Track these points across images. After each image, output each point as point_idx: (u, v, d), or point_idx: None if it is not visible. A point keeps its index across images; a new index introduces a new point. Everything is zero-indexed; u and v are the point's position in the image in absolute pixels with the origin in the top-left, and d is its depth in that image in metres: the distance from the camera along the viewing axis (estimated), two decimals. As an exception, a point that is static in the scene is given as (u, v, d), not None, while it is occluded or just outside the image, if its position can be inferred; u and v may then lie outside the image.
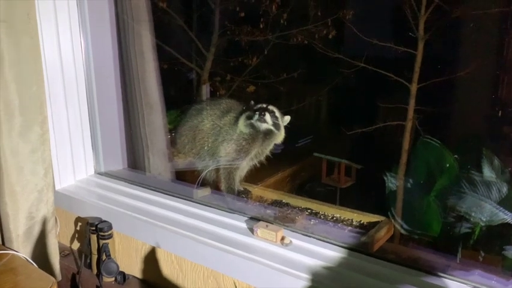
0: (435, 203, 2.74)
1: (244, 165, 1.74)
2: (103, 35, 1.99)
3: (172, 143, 2.10)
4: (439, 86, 3.01)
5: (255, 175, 1.82)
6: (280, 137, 1.68)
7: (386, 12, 3.52)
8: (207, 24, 4.11)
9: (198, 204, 1.71)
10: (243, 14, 4.00)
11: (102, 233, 1.64)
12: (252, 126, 1.63)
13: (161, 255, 1.63)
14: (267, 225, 1.46)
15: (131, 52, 2.03)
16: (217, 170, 1.76)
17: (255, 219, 1.57)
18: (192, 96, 4.24)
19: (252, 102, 1.70)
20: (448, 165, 2.77)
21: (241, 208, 1.65)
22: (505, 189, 2.48)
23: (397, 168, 3.16)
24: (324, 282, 1.28)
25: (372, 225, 1.51)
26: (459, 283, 1.24)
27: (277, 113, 1.65)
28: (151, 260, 1.66)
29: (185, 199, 1.75)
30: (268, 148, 1.71)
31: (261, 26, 3.95)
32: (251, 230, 1.50)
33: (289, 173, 3.61)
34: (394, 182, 2.96)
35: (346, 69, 3.48)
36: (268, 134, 1.65)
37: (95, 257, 1.69)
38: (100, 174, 2.04)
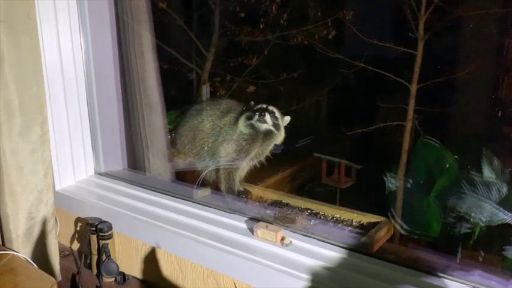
0: (435, 203, 2.74)
1: (244, 166, 1.74)
2: (103, 35, 1.99)
3: (172, 143, 2.10)
4: (439, 86, 3.01)
5: (255, 175, 1.82)
6: (280, 137, 1.68)
7: (386, 13, 3.52)
8: (206, 25, 4.11)
9: (198, 205, 1.71)
10: (243, 14, 4.00)
11: (102, 234, 1.64)
12: (252, 126, 1.63)
13: (161, 256, 1.63)
14: (267, 226, 1.46)
15: (131, 52, 2.03)
16: (217, 170, 1.76)
17: (255, 219, 1.57)
18: (192, 97, 4.24)
19: (252, 102, 1.70)
20: (447, 165, 2.77)
21: (241, 208, 1.65)
22: (504, 190, 2.48)
23: (397, 168, 3.16)
24: (324, 283, 1.28)
25: (372, 225, 1.51)
26: (459, 283, 1.24)
27: (277, 114, 1.65)
28: (151, 260, 1.66)
29: (185, 199, 1.76)
30: (268, 148, 1.71)
31: (261, 26, 3.95)
32: (251, 230, 1.50)
33: (289, 173, 3.61)
34: (394, 183, 2.96)
35: (346, 70, 3.48)
36: (268, 134, 1.65)
37: (95, 258, 1.69)
38: (100, 174, 2.04)
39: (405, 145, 3.25)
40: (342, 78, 3.65)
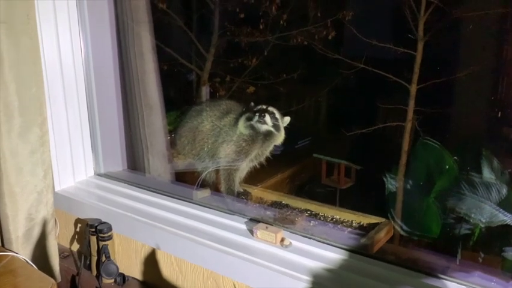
0: (435, 204, 2.74)
1: (244, 167, 1.74)
2: (102, 36, 1.99)
3: (172, 144, 2.10)
4: (439, 87, 3.01)
5: (255, 176, 1.82)
6: (280, 138, 1.68)
7: (386, 13, 3.52)
8: (206, 25, 4.11)
9: (198, 206, 1.71)
10: (242, 15, 4.00)
11: (102, 235, 1.64)
12: (252, 127, 1.63)
13: (161, 257, 1.63)
14: (266, 227, 1.46)
15: (131, 53, 2.03)
16: (217, 171, 1.76)
17: (254, 220, 1.57)
18: (192, 97, 4.24)
19: (252, 103, 1.70)
20: (447, 166, 2.77)
21: (240, 209, 1.65)
22: (504, 191, 2.48)
23: (397, 169, 3.16)
24: (324, 284, 1.28)
25: (372, 226, 1.51)
26: (459, 284, 1.24)
27: (277, 114, 1.65)
28: (150, 261, 1.66)
29: (185, 200, 1.75)
30: (268, 149, 1.71)
31: (261, 27, 3.95)
32: (251, 231, 1.50)
33: (289, 174, 3.61)
34: (394, 183, 2.97)
35: (346, 70, 3.48)
36: (268, 135, 1.65)
37: (94, 259, 1.68)
38: (100, 175, 2.04)
39: (405, 146, 3.25)
40: (342, 79, 3.65)
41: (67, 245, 1.96)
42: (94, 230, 1.66)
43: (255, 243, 1.46)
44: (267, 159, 1.74)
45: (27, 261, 1.58)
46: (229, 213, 1.64)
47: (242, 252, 1.42)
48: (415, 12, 3.15)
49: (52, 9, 1.79)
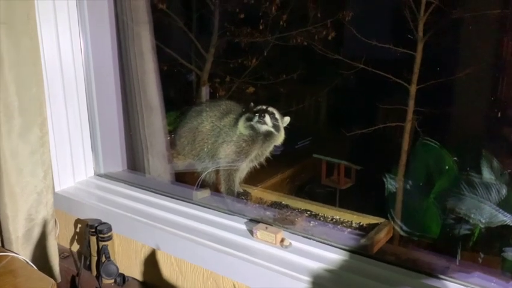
0: (435, 205, 2.74)
1: (244, 167, 1.74)
2: (102, 36, 1.99)
3: (172, 144, 2.10)
4: (438, 88, 3.01)
5: (255, 176, 1.82)
6: (280, 138, 1.68)
7: (386, 14, 3.53)
8: (206, 26, 4.11)
9: (198, 206, 1.71)
10: (242, 16, 4.00)
11: (102, 235, 1.64)
12: (252, 127, 1.63)
13: (160, 257, 1.63)
14: (266, 227, 1.46)
15: (130, 53, 2.03)
16: (217, 171, 1.76)
17: (254, 221, 1.57)
18: (192, 98, 4.24)
19: (252, 103, 1.70)
20: (447, 167, 2.77)
21: (240, 210, 1.65)
22: (504, 191, 2.48)
23: (396, 169, 3.16)
24: (324, 284, 1.28)
25: (372, 227, 1.51)
26: (458, 285, 1.24)
27: (277, 115, 1.65)
28: (150, 261, 1.66)
29: (184, 201, 1.75)
30: (268, 150, 1.71)
31: (261, 27, 3.95)
32: (251, 232, 1.50)
33: (289, 174, 3.61)
34: (393, 184, 2.97)
35: (345, 71, 3.48)
36: (268, 135, 1.65)
37: (94, 259, 1.68)
38: (100, 176, 2.04)
39: (405, 146, 3.25)
40: (342, 79, 3.65)
41: (67, 246, 1.96)
42: (93, 230, 1.66)
43: (254, 243, 1.46)
44: (267, 159, 1.74)
45: (27, 262, 1.58)
46: (229, 214, 1.64)
47: (242, 252, 1.42)
48: (415, 13, 3.16)
49: (52, 9, 1.79)
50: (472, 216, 2.52)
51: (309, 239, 1.46)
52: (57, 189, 1.90)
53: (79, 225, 1.89)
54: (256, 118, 1.61)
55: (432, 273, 1.28)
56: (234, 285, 1.44)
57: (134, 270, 1.72)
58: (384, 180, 2.95)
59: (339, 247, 1.40)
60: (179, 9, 4.14)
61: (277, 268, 1.33)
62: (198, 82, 4.12)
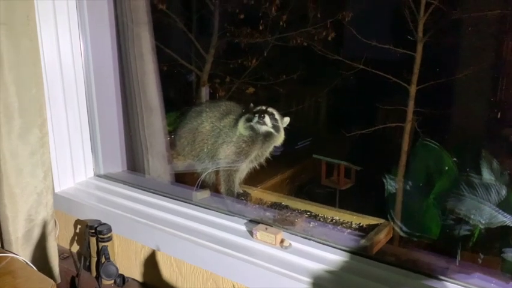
0: (435, 206, 2.74)
1: (244, 168, 1.74)
2: (102, 37, 1.99)
3: (172, 145, 2.10)
4: (438, 88, 3.01)
5: (255, 177, 1.82)
6: (280, 139, 1.69)
7: (385, 14, 3.52)
8: (206, 26, 4.11)
9: (197, 207, 1.72)
10: (242, 16, 4.00)
11: (101, 236, 1.64)
12: (252, 128, 1.63)
13: (160, 258, 1.63)
14: (266, 228, 1.46)
15: (130, 54, 2.04)
16: (217, 172, 1.76)
17: (254, 221, 1.57)
18: (192, 98, 4.24)
19: (252, 104, 1.71)
20: (446, 167, 2.77)
21: (240, 210, 1.65)
22: (504, 192, 2.48)
23: (396, 170, 3.16)
24: (324, 285, 1.28)
25: (372, 227, 1.51)
26: (458, 286, 1.24)
27: (277, 115, 1.66)
28: (150, 262, 1.66)
29: (184, 201, 1.76)
30: (268, 150, 1.71)
31: (261, 27, 3.94)
32: (250, 232, 1.50)
33: (289, 175, 3.61)
34: (393, 184, 2.96)
35: (345, 71, 3.48)
36: (267, 136, 1.65)
37: (94, 260, 1.68)
38: (100, 176, 2.04)
39: (405, 147, 3.24)
40: (342, 80, 3.65)
41: (67, 246, 1.96)
42: (93, 231, 1.66)
43: (254, 244, 1.46)
44: (267, 160, 1.75)
45: (27, 263, 1.58)
46: (229, 215, 1.64)
47: (242, 253, 1.42)
48: (415, 13, 3.15)
49: (52, 10, 1.79)
50: (472, 217, 2.52)
51: (309, 239, 1.46)
52: (57, 190, 1.90)
53: (79, 226, 1.89)
54: (256, 119, 1.61)
55: (432, 274, 1.28)
56: (233, 286, 1.44)
57: (134, 271, 1.72)
58: (384, 180, 2.95)
59: (339, 248, 1.40)
60: (179, 10, 4.14)
61: (277, 269, 1.33)
62: (198, 83, 4.12)
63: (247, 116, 1.65)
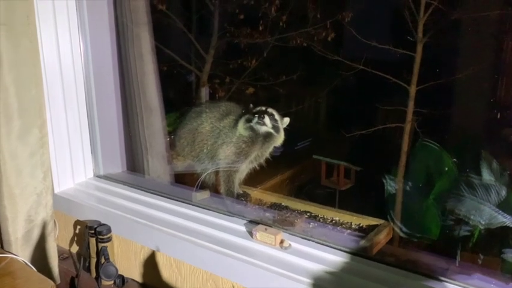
0: (434, 206, 2.73)
1: (244, 168, 1.74)
2: (102, 37, 1.99)
3: (171, 145, 2.10)
4: (438, 88, 3.01)
5: (255, 177, 1.82)
6: (279, 139, 1.69)
7: (385, 15, 3.52)
8: (206, 27, 4.11)
9: (197, 207, 1.72)
10: (242, 17, 4.00)
11: (101, 236, 1.64)
12: (252, 129, 1.63)
13: (160, 259, 1.63)
14: (266, 229, 1.46)
15: (130, 55, 2.03)
16: (217, 172, 1.76)
17: (254, 222, 1.57)
18: (191, 99, 4.23)
19: (251, 105, 1.71)
20: (446, 168, 2.77)
21: (240, 211, 1.65)
22: (503, 193, 2.48)
23: (396, 170, 3.16)
24: (324, 286, 1.28)
25: (372, 228, 1.51)
26: (458, 286, 1.24)
27: (277, 116, 1.66)
28: (150, 263, 1.66)
29: (184, 202, 1.75)
30: (267, 151, 1.71)
31: (260, 28, 3.94)
32: (250, 233, 1.50)
33: (289, 176, 3.61)
34: (393, 185, 2.96)
35: (345, 72, 3.48)
36: (267, 136, 1.65)
37: (94, 260, 1.68)
38: (99, 177, 2.04)
39: (405, 147, 3.24)
40: (341, 80, 3.65)
41: (66, 247, 1.95)
42: (93, 231, 1.66)
43: (254, 245, 1.46)
44: (267, 160, 1.75)
45: (26, 263, 1.58)
46: (229, 215, 1.64)
47: (241, 254, 1.42)
48: (414, 14, 3.15)
49: (52, 11, 1.79)
50: (472, 217, 2.52)
51: (309, 240, 1.46)
52: (56, 190, 1.90)
53: (78, 227, 1.88)
54: (256, 119, 1.61)
55: (432, 274, 1.28)
56: (233, 286, 1.44)
57: (133, 271, 1.72)
58: (384, 181, 2.95)
59: (339, 248, 1.40)
60: (179, 10, 4.14)
61: (276, 270, 1.33)
62: (198, 83, 4.12)
63: (247, 116, 1.65)
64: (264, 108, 1.64)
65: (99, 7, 1.95)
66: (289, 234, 1.49)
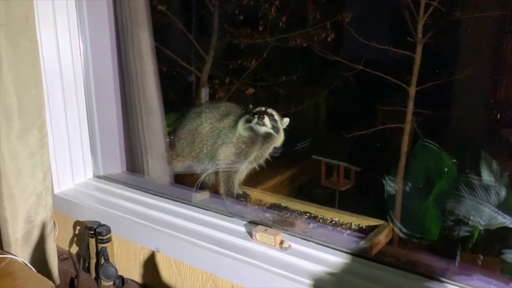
0: (434, 207, 2.73)
1: (244, 169, 1.74)
2: (101, 37, 1.99)
3: (171, 146, 2.10)
4: (438, 89, 3.01)
5: (254, 178, 1.82)
6: (279, 140, 1.68)
7: (385, 15, 3.52)
8: (206, 27, 4.11)
9: (197, 208, 1.71)
10: (242, 17, 4.00)
11: (101, 237, 1.64)
12: (251, 129, 1.63)
13: (160, 259, 1.63)
14: (265, 229, 1.46)
15: (130, 55, 2.03)
16: (216, 173, 1.76)
17: (253, 223, 1.57)
18: (191, 99, 4.23)
19: (251, 105, 1.70)
20: (446, 168, 2.77)
21: (240, 212, 1.65)
22: (503, 193, 2.48)
23: (396, 171, 3.16)
24: (323, 287, 1.28)
25: (371, 228, 1.51)
26: (458, 287, 1.24)
27: (276, 116, 1.66)
28: (149, 264, 1.66)
29: (184, 203, 1.75)
30: (267, 151, 1.71)
31: (260, 28, 3.94)
32: (250, 234, 1.50)
33: (289, 176, 3.61)
34: (393, 185, 2.96)
35: (345, 72, 3.48)
36: (267, 137, 1.65)
37: (93, 261, 1.68)
38: (99, 177, 2.04)
39: (404, 148, 3.25)
40: (341, 81, 3.65)
41: (66, 248, 1.95)
42: (92, 232, 1.66)
43: (254, 245, 1.46)
44: (267, 161, 1.74)
45: (26, 264, 1.58)
46: (228, 216, 1.64)
47: (241, 254, 1.42)
48: (414, 14, 3.15)
49: (51, 11, 1.79)
50: (471, 218, 2.52)
51: (309, 241, 1.46)
52: (56, 191, 1.90)
53: (78, 227, 1.88)
54: (256, 120, 1.61)
55: (431, 275, 1.28)
56: (232, 287, 1.44)
57: (133, 272, 1.72)
58: (384, 181, 2.95)
59: (339, 249, 1.40)
60: (178, 11, 4.14)
61: (276, 270, 1.33)
62: (198, 83, 4.12)
63: (246, 117, 1.65)
64: (263, 109, 1.64)
65: (99, 7, 1.95)
66: (289, 234, 1.49)
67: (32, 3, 1.61)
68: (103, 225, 1.68)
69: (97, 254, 1.66)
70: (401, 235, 2.54)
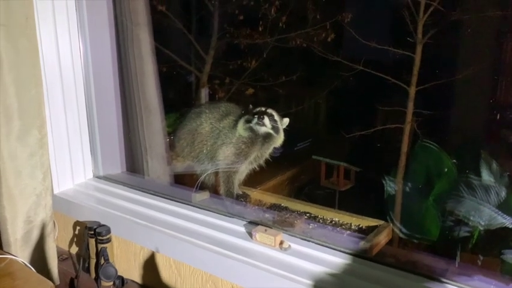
0: (434, 207, 2.74)
1: (243, 169, 1.74)
2: (101, 38, 1.99)
3: (171, 146, 2.10)
4: (438, 89, 3.01)
5: (254, 178, 1.82)
6: (279, 140, 1.68)
7: (385, 16, 3.53)
8: (206, 27, 4.11)
9: (197, 208, 1.71)
10: (242, 17, 4.01)
11: (100, 237, 1.64)
12: (251, 129, 1.63)
13: (159, 260, 1.63)
14: (265, 230, 1.46)
15: (130, 55, 2.03)
16: (216, 173, 1.76)
17: (253, 223, 1.56)
18: (191, 100, 4.24)
19: (251, 105, 1.70)
20: (446, 169, 2.77)
21: (239, 212, 1.65)
22: (503, 193, 2.48)
23: (396, 171, 3.16)
24: (323, 287, 1.27)
25: (371, 229, 1.51)
26: (458, 287, 1.24)
27: (276, 116, 1.65)
28: (149, 264, 1.66)
29: (183, 203, 1.75)
30: (267, 151, 1.71)
31: (260, 28, 3.95)
32: (250, 234, 1.49)
33: (288, 176, 3.61)
34: (393, 186, 2.97)
35: (345, 72, 3.48)
36: (267, 137, 1.65)
37: (93, 261, 1.68)
38: (99, 178, 2.04)
39: (404, 148, 3.25)
40: (341, 81, 3.65)
41: (66, 248, 1.95)
42: (92, 232, 1.65)
43: (254, 246, 1.46)
44: (267, 161, 1.74)
45: (25, 264, 1.57)
46: (228, 216, 1.63)
47: (241, 255, 1.41)
48: (414, 15, 3.16)
49: (51, 11, 1.79)
50: (471, 218, 2.52)
51: (308, 241, 1.45)
52: (56, 191, 1.90)
53: (78, 228, 1.88)
54: (255, 120, 1.61)
55: (431, 275, 1.28)
56: (232, 287, 1.43)
57: (133, 272, 1.72)
58: (384, 182, 2.95)
59: (339, 250, 1.40)
60: (178, 11, 4.14)
61: (276, 271, 1.33)
62: (197, 84, 4.12)
63: (246, 117, 1.65)
64: (263, 109, 1.64)
65: (98, 7, 1.95)
66: (289, 235, 1.49)
67: (32, 3, 1.61)
68: (103, 225, 1.68)
69: (97, 254, 1.65)
70: (401, 235, 2.54)
